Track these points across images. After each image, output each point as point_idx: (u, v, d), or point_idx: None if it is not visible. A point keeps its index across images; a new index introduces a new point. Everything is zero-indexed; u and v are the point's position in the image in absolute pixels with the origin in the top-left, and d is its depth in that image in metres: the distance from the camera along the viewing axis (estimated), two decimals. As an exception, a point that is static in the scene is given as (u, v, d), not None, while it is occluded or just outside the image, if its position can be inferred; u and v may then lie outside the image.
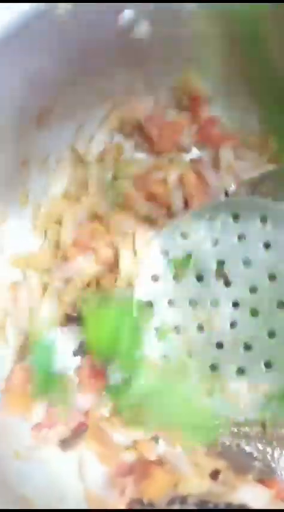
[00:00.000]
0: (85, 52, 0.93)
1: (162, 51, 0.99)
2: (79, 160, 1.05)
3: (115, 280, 0.97)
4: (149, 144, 1.06)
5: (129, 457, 0.91)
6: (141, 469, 0.88)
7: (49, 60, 0.86)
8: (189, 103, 1.06)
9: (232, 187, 0.98)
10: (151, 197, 0.99)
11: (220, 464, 0.91)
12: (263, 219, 0.90)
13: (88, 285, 0.98)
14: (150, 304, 0.93)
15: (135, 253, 0.97)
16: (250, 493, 0.86)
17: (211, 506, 0.84)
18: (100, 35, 0.88)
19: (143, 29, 0.90)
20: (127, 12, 0.85)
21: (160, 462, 0.88)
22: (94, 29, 0.85)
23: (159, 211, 0.98)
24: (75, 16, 0.79)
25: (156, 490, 0.86)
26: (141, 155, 1.06)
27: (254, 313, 0.90)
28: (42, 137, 0.97)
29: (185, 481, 0.87)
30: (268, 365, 0.89)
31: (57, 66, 0.90)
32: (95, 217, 1.00)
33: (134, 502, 0.86)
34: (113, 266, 0.98)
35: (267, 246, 0.90)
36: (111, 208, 1.00)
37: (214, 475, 0.90)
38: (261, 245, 0.90)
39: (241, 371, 0.90)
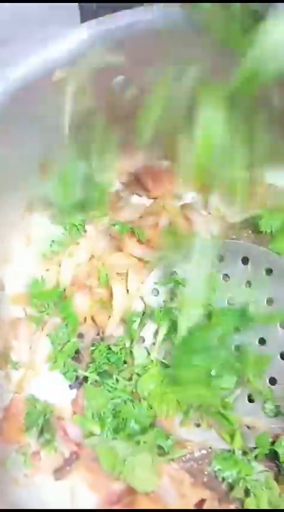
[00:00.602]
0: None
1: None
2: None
3: (109, 317, 1.05)
4: (145, 192, 1.16)
5: (118, 486, 0.95)
6: (128, 498, 0.92)
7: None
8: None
9: (217, 230, 1.05)
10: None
11: (206, 494, 0.94)
12: (245, 261, 0.97)
13: (84, 320, 1.05)
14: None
15: (127, 291, 1.04)
16: (232, 521, 0.90)
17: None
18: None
19: (133, 92, 1.01)
20: (120, 78, 0.96)
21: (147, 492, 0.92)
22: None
23: (151, 254, 1.05)
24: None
25: (142, 518, 0.90)
26: (136, 202, 1.15)
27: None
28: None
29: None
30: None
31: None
32: (92, 258, 1.09)
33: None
34: (107, 303, 1.05)
35: (249, 284, 0.97)
36: (107, 250, 1.09)
37: (200, 504, 0.94)
38: (243, 285, 0.97)
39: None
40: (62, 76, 0.88)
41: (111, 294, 1.04)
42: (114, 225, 1.08)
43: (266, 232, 1.00)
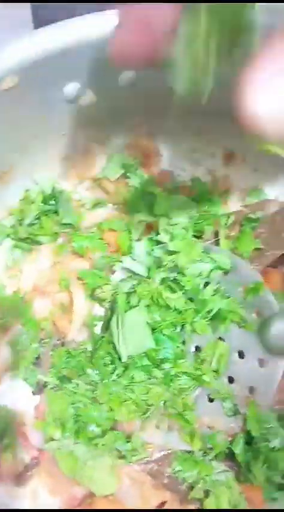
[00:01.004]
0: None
1: (112, 114, 1.12)
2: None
3: (70, 322, 1.05)
4: (107, 196, 1.17)
5: (78, 490, 0.94)
6: (88, 501, 0.91)
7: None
8: (142, 160, 1.18)
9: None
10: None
11: (166, 495, 0.94)
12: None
13: (45, 326, 1.05)
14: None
15: (88, 296, 1.05)
16: (191, 522, 0.90)
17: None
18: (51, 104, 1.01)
19: (88, 98, 1.03)
20: (72, 85, 0.98)
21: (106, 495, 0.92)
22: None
23: (111, 257, 1.06)
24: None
25: (100, 521, 0.90)
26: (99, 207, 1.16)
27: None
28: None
29: (130, 512, 0.90)
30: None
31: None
32: (55, 264, 1.09)
33: (81, 533, 0.90)
34: (68, 308, 1.05)
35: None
36: (68, 256, 1.10)
37: (160, 506, 0.94)
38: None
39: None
40: (12, 84, 0.89)
41: (72, 299, 1.05)
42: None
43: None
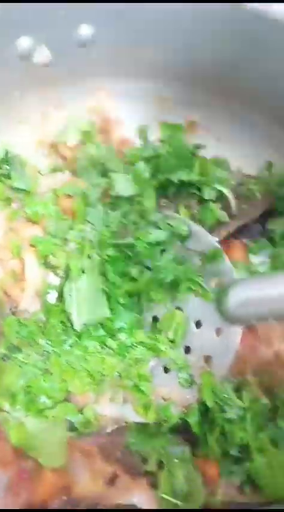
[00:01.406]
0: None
1: (71, 75, 1.07)
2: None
3: (22, 290, 1.00)
4: (64, 162, 1.13)
5: (27, 463, 0.90)
6: (34, 472, 0.87)
7: None
8: (102, 124, 1.13)
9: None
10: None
11: (118, 469, 0.91)
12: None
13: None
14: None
15: (41, 263, 1.00)
16: (142, 496, 0.86)
17: (100, 507, 0.84)
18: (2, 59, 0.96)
19: (43, 55, 0.98)
20: (24, 39, 0.93)
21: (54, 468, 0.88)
22: None
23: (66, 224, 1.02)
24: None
25: (47, 493, 0.86)
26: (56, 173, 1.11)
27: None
28: None
29: (78, 486, 0.87)
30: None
31: None
32: (6, 231, 1.04)
33: (26, 505, 0.85)
34: (20, 276, 1.01)
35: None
36: (21, 223, 1.05)
37: (111, 480, 0.90)
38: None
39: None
40: None
41: (24, 266, 1.00)
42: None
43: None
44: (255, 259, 1.11)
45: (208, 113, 1.13)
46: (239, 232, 1.08)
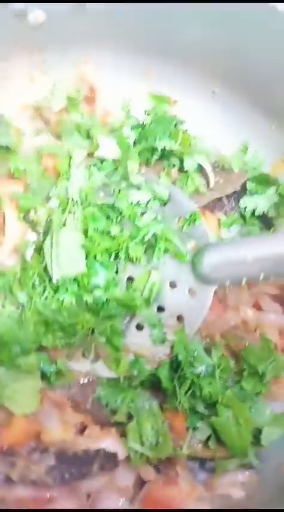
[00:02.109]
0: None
1: (61, 42, 1.10)
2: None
3: (0, 244, 1.01)
4: (47, 127, 1.14)
5: (-2, 412, 0.90)
6: (4, 418, 0.87)
7: None
8: (87, 93, 1.16)
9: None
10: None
11: (87, 419, 0.92)
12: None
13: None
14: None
15: (21, 218, 1.01)
16: (110, 443, 0.88)
17: (70, 453, 0.84)
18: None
19: (37, 15, 1.00)
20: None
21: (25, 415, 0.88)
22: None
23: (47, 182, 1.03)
24: None
25: (16, 438, 0.86)
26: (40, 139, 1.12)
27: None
28: None
29: (48, 433, 0.87)
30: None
31: None
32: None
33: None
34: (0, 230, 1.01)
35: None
36: (2, 179, 1.05)
37: (81, 429, 0.91)
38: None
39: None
40: None
41: (3, 220, 1.00)
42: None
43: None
44: (226, 235, 1.16)
45: (189, 92, 1.18)
46: (213, 207, 1.12)
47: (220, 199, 1.12)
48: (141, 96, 1.16)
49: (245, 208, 1.13)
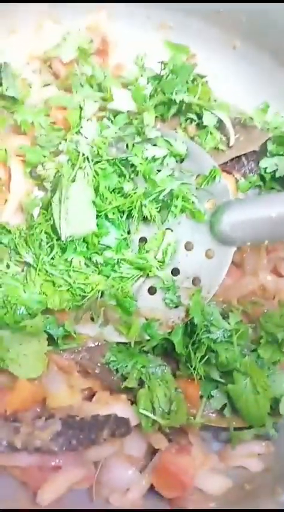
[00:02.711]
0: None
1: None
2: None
3: (5, 202, 0.95)
4: (56, 81, 1.07)
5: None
6: (7, 382, 0.82)
7: None
8: (99, 45, 1.09)
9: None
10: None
11: (96, 385, 0.87)
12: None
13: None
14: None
15: (28, 174, 0.95)
16: (120, 409, 0.83)
17: (78, 418, 0.79)
18: None
19: None
20: None
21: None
22: None
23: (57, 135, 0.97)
24: None
25: (20, 403, 0.81)
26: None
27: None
28: None
29: (54, 398, 0.82)
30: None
31: None
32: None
33: (-3, 416, 0.80)
34: (5, 186, 0.95)
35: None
36: (9, 133, 0.99)
37: (90, 397, 0.86)
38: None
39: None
40: None
41: (9, 175, 0.94)
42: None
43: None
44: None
45: (207, 47, 1.11)
46: (232, 167, 1.06)
47: (239, 159, 1.05)
48: (156, 49, 1.09)
49: (266, 169, 1.06)
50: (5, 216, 0.95)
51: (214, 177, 0.90)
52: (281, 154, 1.06)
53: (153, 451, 0.87)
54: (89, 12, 1.08)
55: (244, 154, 1.05)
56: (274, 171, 1.06)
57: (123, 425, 0.79)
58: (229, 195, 0.90)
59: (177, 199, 0.90)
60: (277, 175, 1.06)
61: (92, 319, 0.91)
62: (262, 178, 1.08)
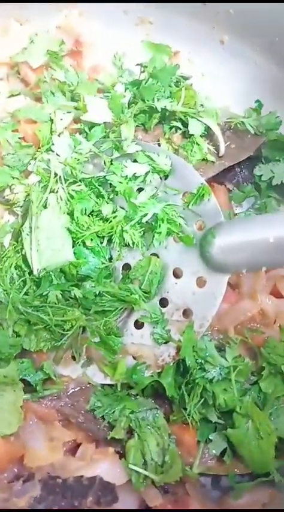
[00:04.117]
0: None
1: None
2: None
3: None
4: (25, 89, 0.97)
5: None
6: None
7: None
8: (72, 46, 0.98)
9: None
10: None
11: (80, 436, 0.78)
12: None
13: None
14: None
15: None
16: (108, 466, 0.74)
17: (59, 481, 0.70)
18: None
19: None
20: None
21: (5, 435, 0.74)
22: None
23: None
24: None
25: (-6, 464, 0.72)
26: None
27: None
28: None
29: (33, 455, 0.73)
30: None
31: None
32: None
33: None
34: None
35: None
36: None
37: (73, 449, 0.77)
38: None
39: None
40: None
41: None
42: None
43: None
44: (238, 210, 1.00)
45: (192, 43, 1.00)
46: (223, 178, 0.96)
47: (231, 167, 0.95)
48: (135, 49, 0.98)
49: (261, 177, 0.96)
50: None
51: (203, 195, 0.80)
52: (277, 160, 0.97)
53: (146, 506, 0.78)
54: (59, 10, 0.97)
55: (237, 162, 0.95)
56: (270, 179, 0.96)
57: (109, 493, 0.70)
58: (220, 216, 0.80)
59: (161, 223, 0.80)
60: (274, 182, 0.96)
61: (74, 358, 0.82)
62: (257, 187, 0.98)
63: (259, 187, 0.98)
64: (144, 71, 0.93)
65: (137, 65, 0.93)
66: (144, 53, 0.96)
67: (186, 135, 0.89)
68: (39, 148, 0.85)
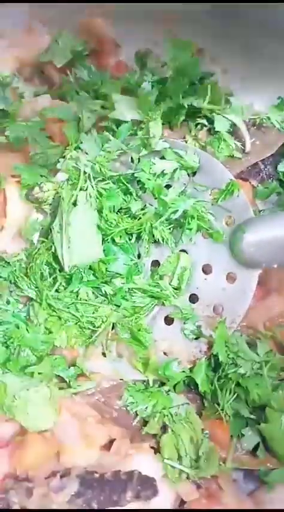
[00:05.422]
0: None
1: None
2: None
3: (1, 228, 0.86)
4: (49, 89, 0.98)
5: (7, 427, 0.76)
6: (17, 436, 0.74)
7: None
8: (96, 47, 0.99)
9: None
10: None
11: (114, 432, 0.78)
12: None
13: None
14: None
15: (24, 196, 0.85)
16: (144, 461, 0.74)
17: (97, 476, 0.71)
18: None
19: None
20: None
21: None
22: None
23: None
24: None
25: (32, 462, 0.72)
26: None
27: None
28: None
29: (68, 452, 0.74)
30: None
31: None
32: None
33: (7, 477, 0.72)
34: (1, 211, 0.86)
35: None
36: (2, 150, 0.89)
37: (108, 445, 0.78)
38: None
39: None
40: None
41: (5, 199, 0.85)
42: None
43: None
44: (262, 207, 1.00)
45: (214, 41, 1.00)
46: (248, 174, 0.96)
47: (255, 164, 0.95)
48: (158, 46, 0.98)
49: (285, 173, 0.97)
50: (2, 244, 0.86)
51: (232, 191, 0.81)
52: (302, 156, 0.97)
53: (181, 500, 0.78)
54: (81, 10, 0.98)
55: (261, 159, 0.95)
56: (295, 175, 0.96)
57: (149, 487, 0.70)
58: (249, 212, 0.80)
59: (191, 219, 0.80)
60: (299, 179, 0.96)
61: (104, 354, 0.82)
62: (281, 183, 0.98)
63: (283, 184, 0.98)
64: (168, 68, 0.94)
65: (159, 63, 0.93)
66: (167, 50, 0.96)
67: (211, 132, 0.90)
68: (67, 146, 0.86)
